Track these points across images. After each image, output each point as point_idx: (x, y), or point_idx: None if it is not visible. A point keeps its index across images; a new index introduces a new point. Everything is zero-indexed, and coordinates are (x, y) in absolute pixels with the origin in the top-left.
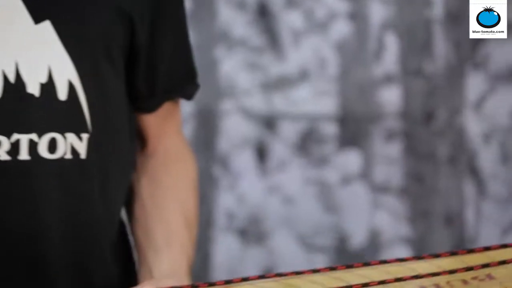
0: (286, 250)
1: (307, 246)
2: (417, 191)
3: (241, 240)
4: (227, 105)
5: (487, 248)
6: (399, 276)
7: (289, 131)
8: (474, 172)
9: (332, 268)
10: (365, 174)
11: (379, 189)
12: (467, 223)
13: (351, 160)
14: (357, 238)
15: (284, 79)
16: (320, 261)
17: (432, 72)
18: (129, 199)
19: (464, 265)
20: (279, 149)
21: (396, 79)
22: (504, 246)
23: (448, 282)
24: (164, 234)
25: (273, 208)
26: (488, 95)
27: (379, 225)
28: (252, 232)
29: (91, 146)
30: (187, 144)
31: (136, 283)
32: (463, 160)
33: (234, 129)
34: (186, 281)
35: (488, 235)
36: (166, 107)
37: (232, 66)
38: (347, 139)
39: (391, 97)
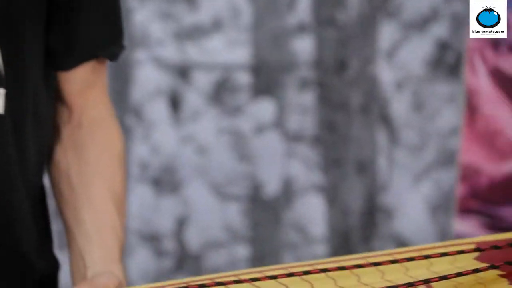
0: (200, 200)
1: (221, 195)
2: (330, 140)
3: (155, 190)
4: (140, 55)
5: (427, 257)
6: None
7: (203, 80)
8: (386, 120)
9: (323, 270)
10: (279, 123)
11: (292, 138)
12: (379, 171)
13: (265, 109)
14: (271, 186)
15: (197, 29)
16: (234, 210)
17: (344, 21)
18: (57, 177)
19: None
20: (193, 98)
21: (309, 29)
22: (445, 254)
23: None
24: (94, 218)
25: (187, 158)
26: (400, 44)
27: (292, 173)
28: (166, 181)
29: (8, 102)
30: (113, 112)
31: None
32: (376, 109)
33: (147, 79)
34: (119, 269)
35: (400, 182)
36: (89, 70)
37: (145, 16)
38: (261, 89)
39: (304, 47)
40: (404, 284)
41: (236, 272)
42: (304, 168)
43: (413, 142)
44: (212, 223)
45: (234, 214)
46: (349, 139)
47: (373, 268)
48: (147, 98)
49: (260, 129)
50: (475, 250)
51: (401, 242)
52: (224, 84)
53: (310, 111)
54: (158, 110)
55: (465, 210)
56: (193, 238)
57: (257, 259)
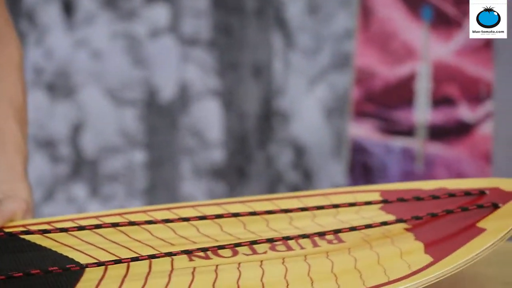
0: (95, 104)
1: (116, 100)
2: (226, 44)
3: (50, 95)
4: None
5: (336, 206)
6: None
7: None
8: (281, 23)
9: (219, 216)
10: (173, 27)
11: (187, 42)
12: (275, 74)
13: (159, 13)
14: (166, 91)
15: None
16: (130, 115)
17: None
18: None
19: (319, 228)
20: (86, 2)
21: None
22: (353, 205)
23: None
24: None
25: (81, 63)
26: None
27: (188, 78)
28: (60, 87)
29: None
30: (10, 22)
31: None
32: (271, 12)
33: None
34: (24, 188)
35: (295, 85)
36: None
37: None
38: None
39: None
40: (316, 233)
41: (139, 209)
42: (199, 72)
43: (308, 45)
44: (108, 128)
45: (130, 119)
46: (244, 42)
47: (282, 214)
48: (40, 2)
49: (154, 33)
50: (382, 201)
51: (297, 146)
52: None
53: (204, 14)
54: (51, 14)
55: (360, 113)
56: (89, 144)
57: (154, 164)
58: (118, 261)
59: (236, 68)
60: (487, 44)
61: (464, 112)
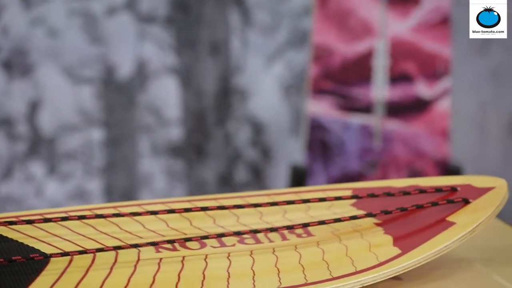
0: (52, 82)
1: (73, 78)
2: (183, 21)
3: (6, 73)
4: None
5: (306, 201)
6: None
7: None
8: (239, 1)
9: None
10: (131, 5)
11: (144, 19)
12: (232, 52)
13: None
14: (124, 68)
15: None
16: (87, 92)
17: None
18: None
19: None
20: None
21: None
22: (323, 200)
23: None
24: None
25: (38, 40)
26: None
27: (145, 55)
28: (17, 64)
29: None
30: None
31: None
32: None
33: None
34: None
35: (253, 63)
36: None
37: None
38: None
39: None
40: (284, 226)
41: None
42: (157, 50)
43: (265, 22)
44: (65, 106)
45: (87, 97)
46: (202, 20)
47: (252, 209)
48: None
49: (111, 11)
50: (352, 197)
51: (255, 123)
52: None
53: None
54: None
55: (318, 91)
56: (46, 122)
57: (112, 143)
58: (83, 252)
59: (193, 45)
60: (444, 20)
61: (422, 88)
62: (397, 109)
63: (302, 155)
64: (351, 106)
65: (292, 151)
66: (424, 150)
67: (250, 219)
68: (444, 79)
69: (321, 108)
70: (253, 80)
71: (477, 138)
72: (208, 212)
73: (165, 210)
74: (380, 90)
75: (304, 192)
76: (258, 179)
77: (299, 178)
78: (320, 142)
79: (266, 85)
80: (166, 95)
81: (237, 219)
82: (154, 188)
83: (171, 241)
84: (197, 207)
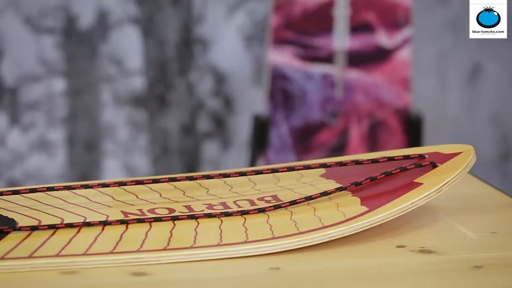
0: (14, 32)
1: (34, 28)
2: None
3: None
4: None
5: (274, 171)
6: None
7: None
8: None
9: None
10: None
11: None
12: (194, 2)
13: None
14: (85, 19)
15: None
16: (49, 42)
17: None
18: None
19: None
20: None
21: None
22: (291, 169)
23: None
24: None
25: None
26: None
27: (107, 5)
28: None
29: None
30: None
31: None
32: None
33: None
34: None
35: (215, 13)
36: None
37: None
38: None
39: None
40: (271, 206)
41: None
42: (118, 0)
43: None
44: (27, 56)
45: (49, 47)
46: None
47: (220, 181)
48: None
49: None
50: (321, 165)
51: (217, 73)
52: None
53: None
54: None
55: (279, 40)
56: (8, 72)
57: (74, 93)
58: (52, 225)
59: None
60: None
61: (382, 38)
62: (358, 59)
63: (264, 105)
64: (312, 55)
65: (254, 100)
66: (385, 99)
67: (219, 190)
68: (404, 29)
69: (282, 58)
70: (215, 29)
71: (437, 87)
72: (177, 183)
73: (133, 181)
74: (341, 40)
75: (276, 169)
76: (220, 129)
77: (261, 127)
78: (282, 92)
79: (228, 35)
80: (128, 45)
81: (207, 191)
82: (116, 138)
83: (139, 209)
84: (166, 178)
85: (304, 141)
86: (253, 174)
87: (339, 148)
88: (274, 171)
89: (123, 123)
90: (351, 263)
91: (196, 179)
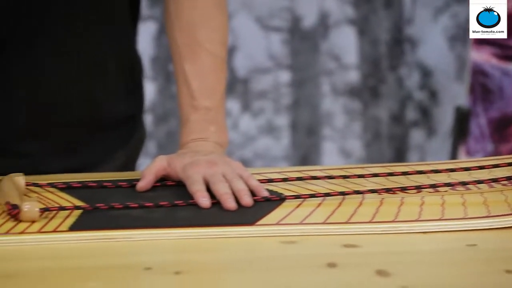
0: (246, 30)
1: (264, 27)
2: None
3: None
4: None
5: (467, 169)
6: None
7: None
8: None
9: (330, 177)
10: None
11: None
12: (404, 5)
13: None
14: (309, 19)
15: None
16: (277, 40)
17: None
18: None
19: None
20: None
21: None
22: (482, 167)
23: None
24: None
25: None
26: None
27: (327, 8)
28: None
29: None
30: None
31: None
32: None
33: None
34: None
35: (422, 15)
36: None
37: None
38: None
39: None
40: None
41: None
42: (338, 3)
43: None
44: (257, 51)
45: (277, 44)
46: None
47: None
48: None
49: None
50: (509, 164)
51: (424, 69)
52: None
53: None
54: None
55: (479, 41)
56: (241, 65)
57: (297, 84)
58: (313, 195)
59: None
60: None
61: None
62: None
63: (466, 98)
64: (509, 55)
65: (457, 93)
66: None
67: (418, 179)
68: None
69: (482, 56)
70: (422, 30)
71: None
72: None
73: (324, 176)
74: None
75: (464, 162)
76: (426, 119)
77: (462, 118)
78: (481, 86)
79: (434, 35)
80: (346, 43)
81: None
82: (334, 125)
83: (389, 189)
84: (398, 172)
85: (501, 131)
86: (447, 172)
87: None
88: (466, 169)
89: (340, 111)
90: None
91: (425, 173)
